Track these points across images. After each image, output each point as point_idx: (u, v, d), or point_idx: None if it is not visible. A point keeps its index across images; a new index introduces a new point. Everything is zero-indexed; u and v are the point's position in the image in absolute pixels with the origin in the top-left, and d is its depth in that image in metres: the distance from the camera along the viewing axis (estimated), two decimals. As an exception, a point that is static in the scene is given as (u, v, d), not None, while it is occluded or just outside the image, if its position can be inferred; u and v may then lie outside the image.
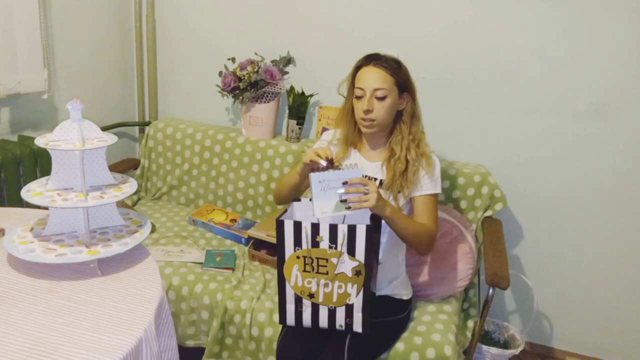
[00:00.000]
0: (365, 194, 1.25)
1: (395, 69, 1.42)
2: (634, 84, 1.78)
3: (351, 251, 1.25)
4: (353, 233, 1.23)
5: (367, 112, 1.41)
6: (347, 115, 1.51)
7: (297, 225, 1.26)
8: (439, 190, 1.47)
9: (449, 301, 1.70)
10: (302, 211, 1.41)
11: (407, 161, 1.43)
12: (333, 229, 1.24)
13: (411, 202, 1.47)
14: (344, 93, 1.52)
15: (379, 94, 1.40)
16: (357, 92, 1.43)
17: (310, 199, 1.27)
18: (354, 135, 1.53)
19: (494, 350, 1.86)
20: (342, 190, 1.25)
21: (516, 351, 1.89)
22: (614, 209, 1.91)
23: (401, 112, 1.47)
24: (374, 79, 1.40)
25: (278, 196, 1.57)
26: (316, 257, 1.27)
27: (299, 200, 1.42)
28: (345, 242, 1.24)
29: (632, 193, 1.88)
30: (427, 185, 1.45)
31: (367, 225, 1.23)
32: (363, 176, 1.29)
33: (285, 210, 1.37)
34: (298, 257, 1.29)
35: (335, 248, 1.25)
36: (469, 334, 1.69)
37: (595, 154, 1.88)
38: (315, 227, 1.25)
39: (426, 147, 1.48)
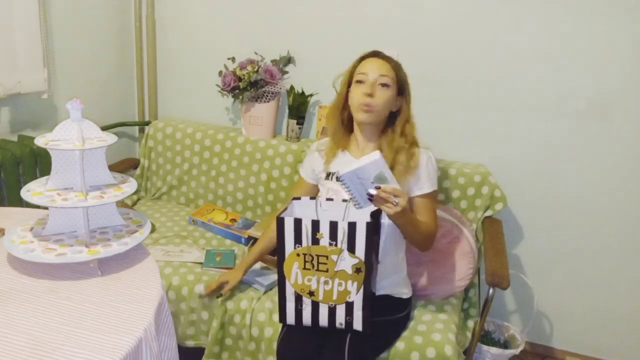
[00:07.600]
0: (395, 204, 1.21)
1: (397, 67, 1.44)
2: (634, 84, 1.78)
3: (351, 248, 1.25)
4: (353, 230, 1.23)
5: (369, 95, 1.38)
6: (338, 110, 1.50)
7: (298, 223, 1.26)
8: (435, 187, 1.48)
9: (449, 301, 1.70)
10: (301, 209, 1.41)
11: (395, 163, 1.42)
12: (333, 225, 1.24)
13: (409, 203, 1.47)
14: (338, 88, 1.51)
15: (384, 80, 1.40)
16: (360, 77, 1.41)
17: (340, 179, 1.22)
18: (342, 134, 1.52)
19: (494, 350, 1.86)
20: (374, 192, 1.20)
21: (516, 351, 1.89)
22: (614, 209, 1.91)
23: (394, 114, 1.47)
24: (380, 66, 1.41)
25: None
26: (316, 255, 1.27)
27: (299, 198, 1.42)
28: (346, 239, 1.24)
29: (632, 193, 1.87)
30: (426, 184, 1.45)
31: (367, 222, 1.23)
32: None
33: (286, 208, 1.37)
34: (298, 255, 1.29)
35: (336, 245, 1.25)
36: (469, 334, 1.69)
37: (595, 154, 1.88)
38: (315, 224, 1.25)
39: (416, 150, 1.45)
